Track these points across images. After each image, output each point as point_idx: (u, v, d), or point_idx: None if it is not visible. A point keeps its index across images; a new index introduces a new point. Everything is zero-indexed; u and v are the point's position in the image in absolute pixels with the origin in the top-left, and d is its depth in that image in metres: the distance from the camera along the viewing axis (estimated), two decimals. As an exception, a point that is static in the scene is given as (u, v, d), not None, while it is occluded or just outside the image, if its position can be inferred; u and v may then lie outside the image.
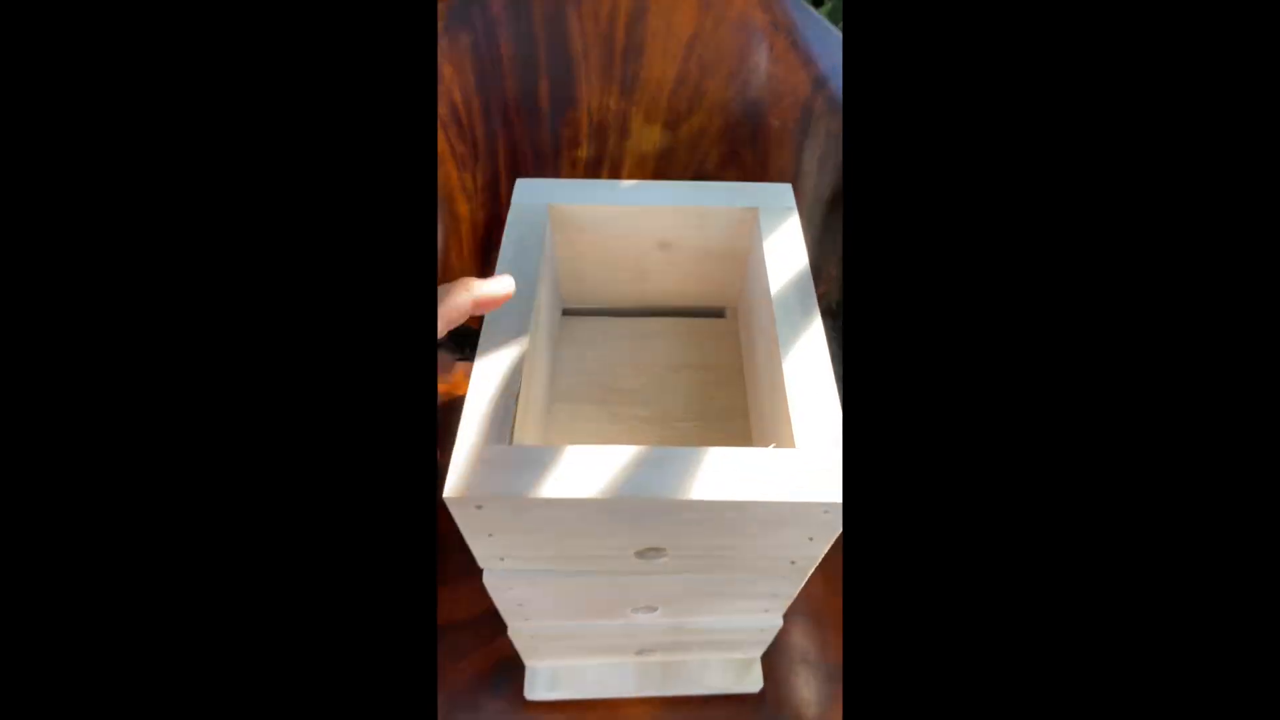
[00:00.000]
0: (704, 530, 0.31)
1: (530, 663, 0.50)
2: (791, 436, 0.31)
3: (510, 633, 0.44)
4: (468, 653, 0.54)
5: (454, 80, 0.54)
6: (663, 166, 0.60)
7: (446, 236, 0.60)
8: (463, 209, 0.59)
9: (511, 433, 0.31)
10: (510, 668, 0.53)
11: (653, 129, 0.58)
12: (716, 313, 0.51)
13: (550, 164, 0.59)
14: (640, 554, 0.34)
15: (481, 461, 0.29)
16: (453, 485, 0.28)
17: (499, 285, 0.32)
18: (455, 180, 0.58)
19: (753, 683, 0.51)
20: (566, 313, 0.49)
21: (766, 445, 0.38)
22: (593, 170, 0.60)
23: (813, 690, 0.53)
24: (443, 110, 0.55)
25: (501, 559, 0.34)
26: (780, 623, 0.44)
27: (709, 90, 0.56)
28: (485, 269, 0.66)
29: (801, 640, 0.55)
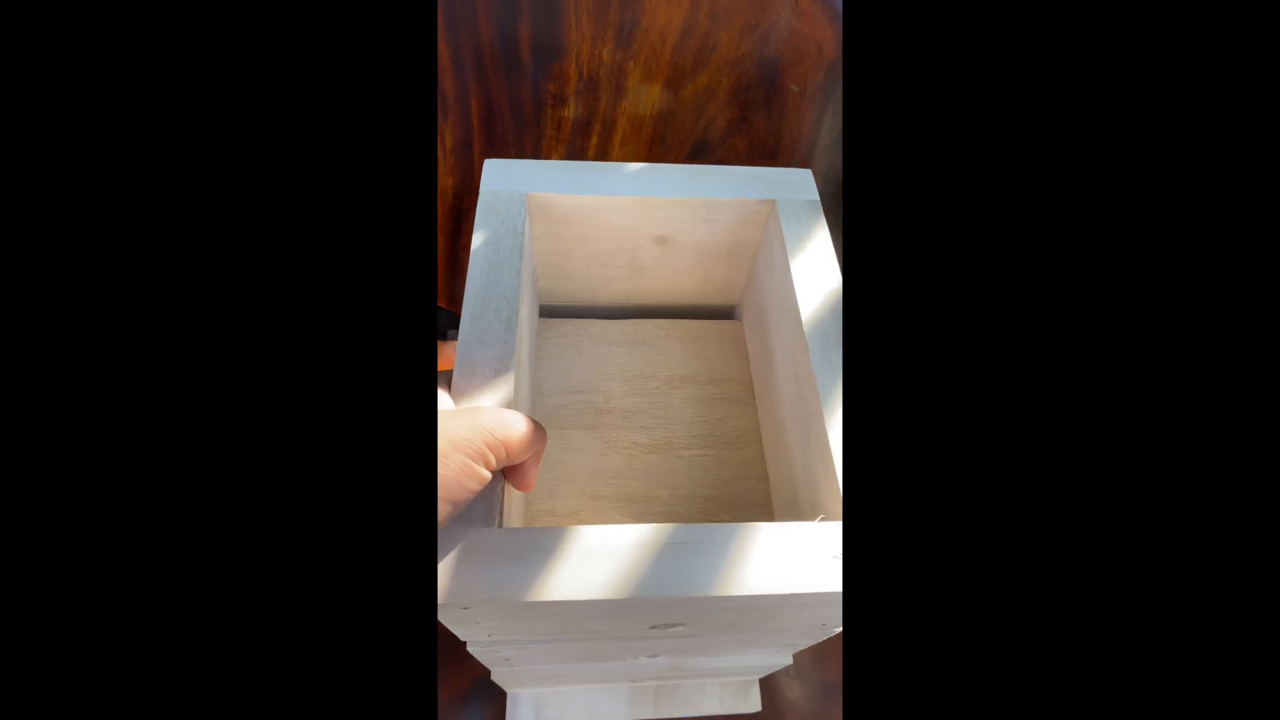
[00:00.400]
0: (734, 614, 0.27)
1: (512, 690, 0.46)
2: (839, 506, 0.26)
3: (493, 676, 0.39)
4: (442, 673, 0.50)
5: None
6: (661, 130, 0.52)
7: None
8: (429, 177, 0.51)
9: (501, 507, 0.25)
10: (489, 689, 0.49)
11: (652, 87, 0.50)
12: (718, 313, 0.45)
13: (531, 125, 0.51)
14: (654, 627, 0.29)
15: (464, 553, 0.24)
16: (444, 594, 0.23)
17: (515, 430, 0.24)
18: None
19: (751, 704, 0.48)
20: (545, 313, 0.43)
21: (789, 488, 0.34)
22: (581, 133, 0.52)
23: (808, 704, 0.51)
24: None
25: (489, 637, 0.29)
26: (790, 660, 0.40)
27: (720, 44, 0.48)
28: (456, 248, 0.58)
29: (798, 656, 0.52)
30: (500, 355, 0.29)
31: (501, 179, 0.35)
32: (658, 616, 0.27)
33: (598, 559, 0.24)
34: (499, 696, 0.48)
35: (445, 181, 0.53)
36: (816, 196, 0.36)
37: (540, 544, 0.24)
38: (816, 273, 0.33)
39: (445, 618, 0.25)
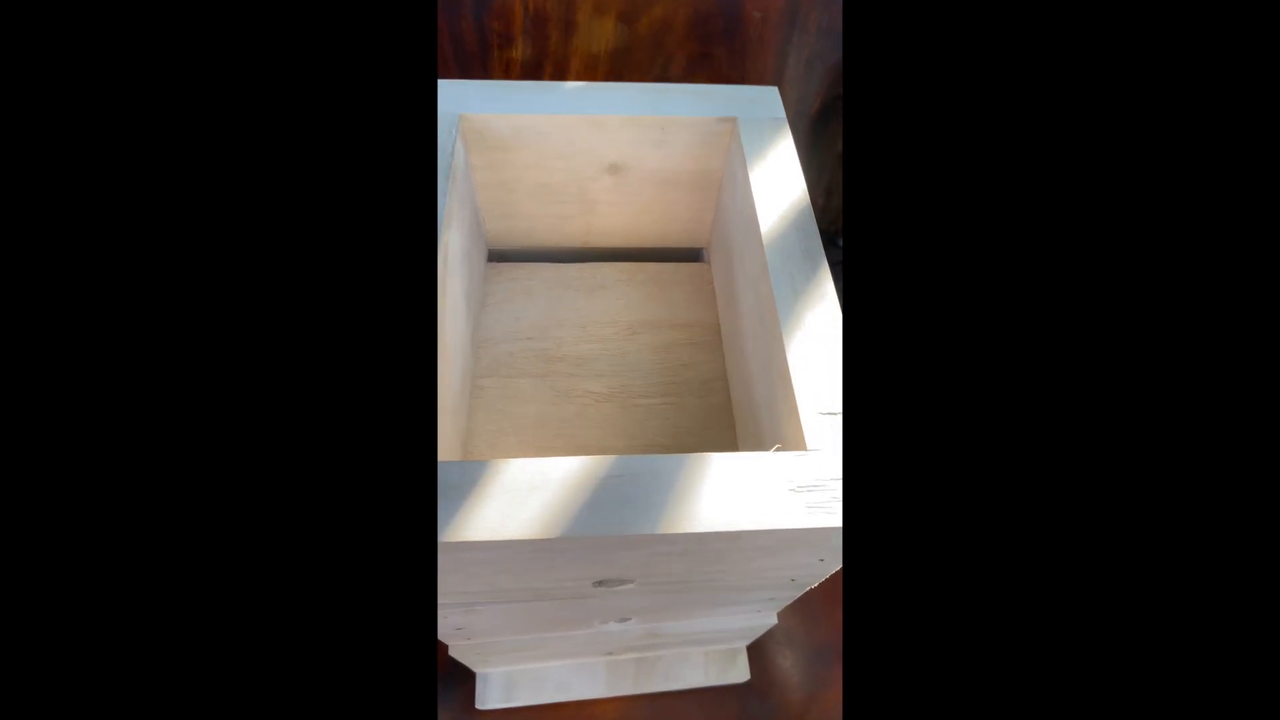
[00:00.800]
0: (685, 561, 0.24)
1: (480, 669, 0.43)
2: (801, 434, 0.23)
3: (451, 651, 0.36)
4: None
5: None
6: (618, 69, 0.49)
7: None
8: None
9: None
10: (457, 670, 0.46)
11: (604, 21, 0.46)
12: (685, 255, 0.41)
13: (476, 66, 0.47)
14: (600, 584, 0.26)
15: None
16: None
17: None
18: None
19: (739, 674, 0.45)
20: (494, 257, 0.40)
21: (754, 429, 0.31)
22: (531, 75, 0.48)
23: (800, 671, 0.48)
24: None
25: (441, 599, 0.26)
26: (774, 620, 0.37)
27: (674, -31, 0.45)
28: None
29: (788, 622, 0.50)
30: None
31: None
32: (598, 565, 0.24)
33: (522, 493, 0.21)
34: (467, 677, 0.45)
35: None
36: (783, 114, 0.33)
37: (460, 479, 0.21)
38: (780, 192, 0.29)
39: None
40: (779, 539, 0.22)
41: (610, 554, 0.22)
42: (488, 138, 0.32)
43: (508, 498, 0.21)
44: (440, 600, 0.26)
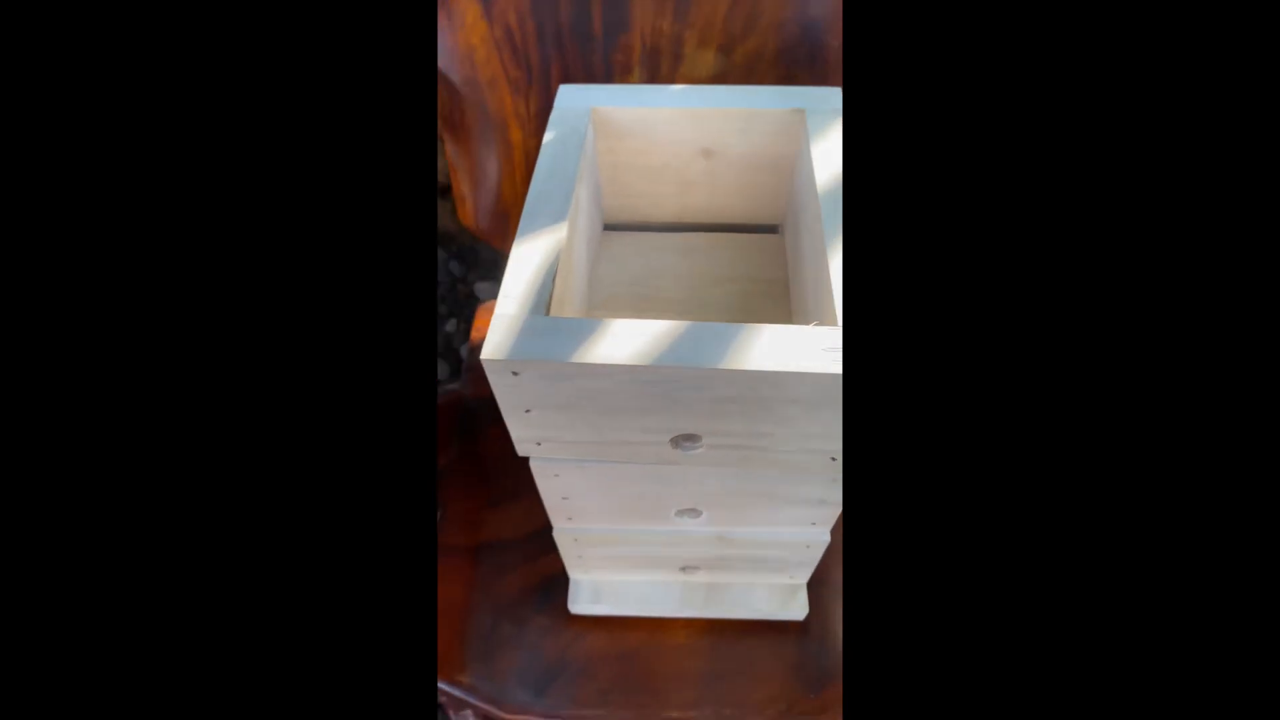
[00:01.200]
0: (739, 412, 0.31)
1: (575, 574, 0.51)
2: (835, 313, 0.30)
3: (555, 535, 0.44)
4: (515, 568, 0.55)
5: (509, 3, 0.54)
6: (716, 93, 0.59)
7: (499, 164, 0.61)
8: (515, 135, 0.60)
9: (549, 307, 0.31)
10: (556, 585, 0.54)
11: (706, 53, 0.57)
12: (765, 229, 0.49)
13: (603, 91, 0.59)
14: (675, 441, 0.33)
15: (520, 329, 0.30)
16: (491, 348, 0.29)
17: None
18: (509, 106, 0.58)
19: (798, 609, 0.50)
20: (609, 228, 0.49)
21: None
22: (645, 98, 0.59)
23: (861, 623, 0.52)
24: (499, 33, 0.55)
25: (539, 443, 0.34)
26: (828, 539, 0.43)
27: (765, 10, 0.55)
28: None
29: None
30: (556, 214, 0.35)
31: (572, 98, 0.42)
32: (675, 411, 0.31)
33: (625, 339, 0.29)
34: (564, 590, 0.53)
35: (529, 143, 0.62)
36: (840, 106, 0.41)
37: (579, 328, 0.30)
38: (834, 160, 0.37)
39: (502, 399, 0.31)
40: (812, 387, 0.29)
41: (684, 393, 0.30)
42: (610, 126, 0.43)
43: (613, 340, 0.29)
44: (551, 452, 0.35)
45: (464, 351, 0.80)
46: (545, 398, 0.31)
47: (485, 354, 0.29)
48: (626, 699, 0.51)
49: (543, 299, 0.31)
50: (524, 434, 0.34)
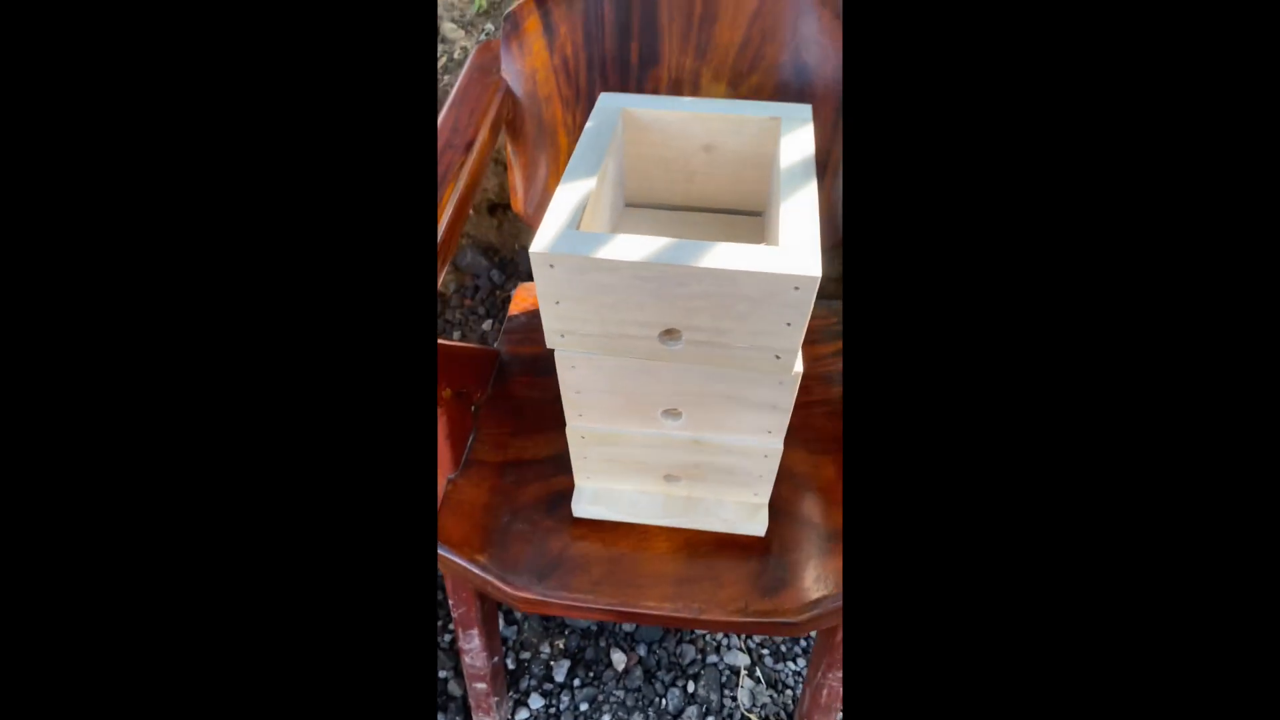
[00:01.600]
0: (707, 308, 0.43)
1: (579, 481, 0.62)
2: (778, 240, 0.43)
3: (568, 432, 0.56)
4: (532, 482, 0.67)
5: (567, 37, 0.70)
6: (725, 117, 0.73)
7: (548, 164, 0.76)
8: (563, 141, 0.75)
9: (579, 224, 0.44)
10: (565, 497, 0.65)
11: (719, 85, 0.72)
12: (753, 214, 0.63)
13: (635, 110, 0.74)
14: (662, 337, 0.46)
15: (558, 235, 0.43)
16: (537, 244, 0.42)
17: None
18: (559, 117, 0.73)
19: (759, 525, 0.61)
20: (629, 206, 0.63)
21: None
22: (668, 118, 0.74)
23: (813, 545, 0.62)
24: (557, 61, 0.71)
25: (562, 335, 0.47)
26: (780, 446, 0.54)
27: (767, 54, 0.69)
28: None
29: (807, 508, 0.64)
30: (590, 169, 0.49)
31: (609, 101, 0.57)
32: (662, 305, 0.43)
33: (629, 246, 0.42)
34: (570, 501, 0.64)
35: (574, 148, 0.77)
36: (809, 118, 0.55)
37: (600, 239, 0.43)
38: (798, 148, 0.51)
39: (541, 288, 0.44)
40: (756, 285, 0.41)
41: (669, 289, 0.43)
42: (636, 124, 0.57)
43: (622, 246, 0.42)
44: (571, 344, 0.47)
45: (504, 319, 0.93)
46: (570, 288, 0.44)
47: (533, 249, 0.42)
48: (613, 591, 0.61)
49: (575, 218, 0.44)
50: (553, 325, 0.47)
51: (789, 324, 0.43)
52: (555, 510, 0.65)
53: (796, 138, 0.52)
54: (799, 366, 0.47)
